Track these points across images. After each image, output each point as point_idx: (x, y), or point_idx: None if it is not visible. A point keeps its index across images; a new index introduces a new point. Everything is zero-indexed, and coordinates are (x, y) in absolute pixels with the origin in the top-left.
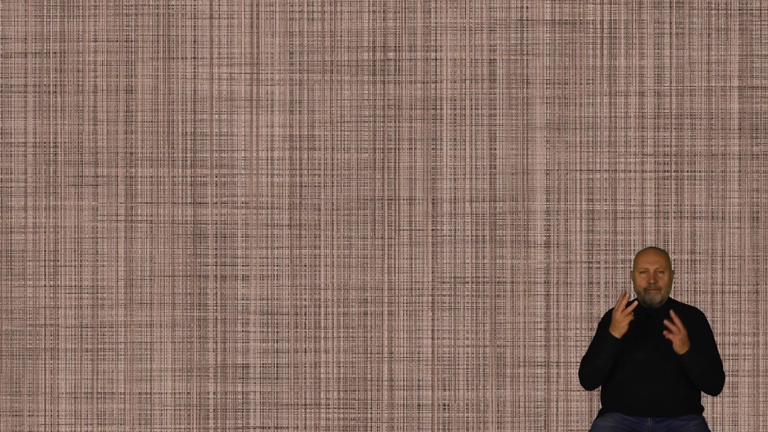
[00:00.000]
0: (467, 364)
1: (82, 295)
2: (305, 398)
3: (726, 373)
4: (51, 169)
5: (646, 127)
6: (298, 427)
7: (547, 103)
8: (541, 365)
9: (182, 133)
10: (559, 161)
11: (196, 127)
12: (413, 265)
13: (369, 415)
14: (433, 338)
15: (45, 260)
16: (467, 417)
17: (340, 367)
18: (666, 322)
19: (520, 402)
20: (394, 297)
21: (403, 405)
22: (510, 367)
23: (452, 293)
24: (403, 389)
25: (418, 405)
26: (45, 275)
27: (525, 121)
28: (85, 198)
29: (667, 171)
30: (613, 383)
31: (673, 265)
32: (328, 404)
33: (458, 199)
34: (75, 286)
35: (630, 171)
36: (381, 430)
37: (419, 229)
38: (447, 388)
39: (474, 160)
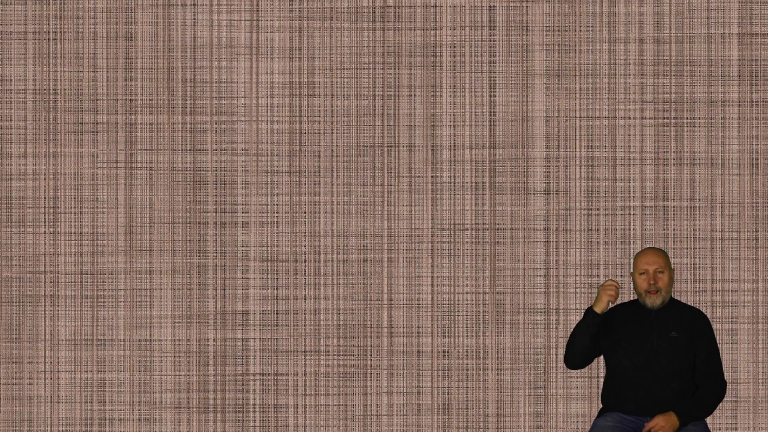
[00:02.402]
0: (467, 311)
1: (82, 242)
2: (305, 345)
3: (726, 321)
4: (51, 116)
5: (645, 74)
6: (297, 374)
7: (546, 50)
8: (540, 312)
9: (182, 80)
10: (558, 108)
11: (195, 74)
12: (413, 212)
13: (368, 362)
14: (432, 285)
15: (45, 207)
16: (467, 364)
17: (339, 313)
18: None
19: (520, 349)
20: (393, 244)
21: (403, 352)
22: (509, 314)
23: (452, 240)
24: (403, 336)
25: (418, 352)
26: (45, 222)
27: (524, 68)
28: (85, 145)
29: (667, 118)
30: (613, 383)
31: (672, 264)
32: (328, 351)
33: (458, 146)
34: (75, 233)
35: (629, 118)
36: (380, 377)
37: (419, 176)
38: (446, 335)
39: (473, 107)
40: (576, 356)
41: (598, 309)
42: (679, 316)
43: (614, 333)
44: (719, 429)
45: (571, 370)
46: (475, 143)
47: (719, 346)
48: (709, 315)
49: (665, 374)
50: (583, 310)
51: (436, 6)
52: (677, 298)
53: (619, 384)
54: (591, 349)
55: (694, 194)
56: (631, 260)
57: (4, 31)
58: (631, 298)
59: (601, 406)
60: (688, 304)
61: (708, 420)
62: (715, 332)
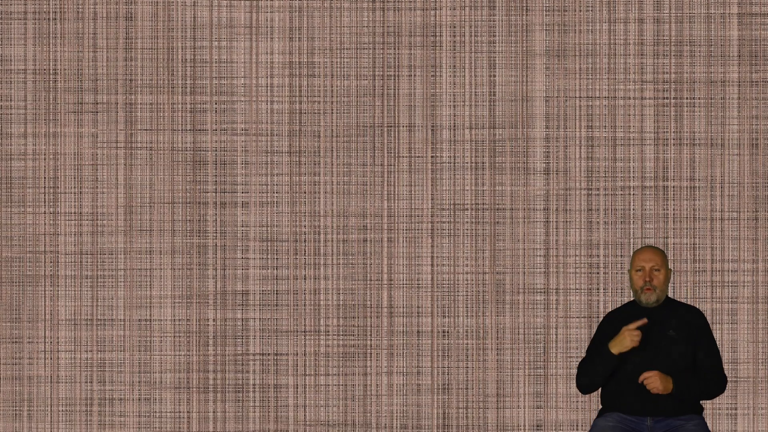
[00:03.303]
0: (467, 291)
1: (82, 222)
2: (304, 325)
3: (725, 301)
4: (51, 96)
5: (645, 54)
6: (297, 354)
7: (546, 29)
8: (540, 292)
9: (182, 60)
10: (558, 88)
11: (195, 53)
12: (413, 192)
13: (368, 342)
14: (432, 265)
15: (45, 187)
16: (466, 344)
17: (339, 293)
18: (640, 379)
19: (520, 329)
20: (393, 224)
21: (403, 332)
22: (509, 293)
23: (452, 220)
24: (403, 316)
25: (418, 332)
26: (45, 202)
27: (524, 48)
28: (85, 125)
29: (667, 98)
30: (613, 383)
31: (670, 264)
32: (328, 331)
33: (458, 126)
34: (75, 213)
35: (629, 98)
36: (380, 357)
37: (419, 156)
38: (446, 314)
39: (473, 87)
40: (595, 386)
41: (616, 351)
42: (676, 315)
43: (613, 334)
44: (718, 409)
45: (571, 349)
46: (475, 123)
47: (719, 338)
48: (708, 295)
49: (665, 373)
50: (583, 291)
51: None
52: (680, 281)
53: (618, 384)
54: (610, 375)
55: (694, 174)
56: (631, 240)
57: (4, 11)
58: (630, 299)
59: (600, 406)
60: (684, 302)
61: (707, 403)
62: (712, 326)
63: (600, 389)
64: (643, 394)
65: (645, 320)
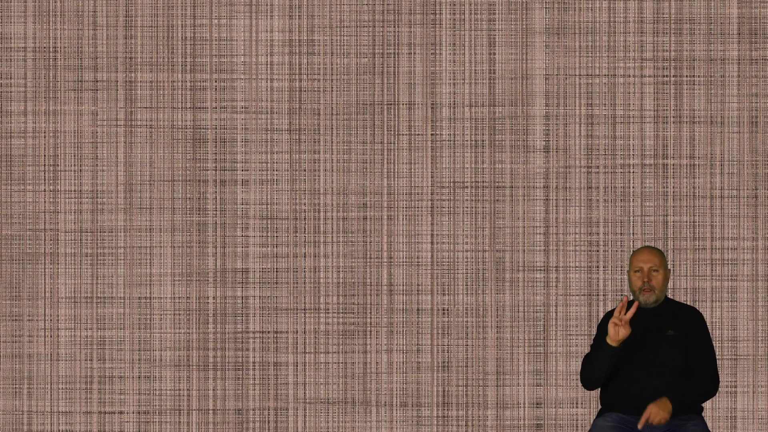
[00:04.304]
0: (466, 269)
1: (82, 200)
2: (304, 303)
3: (725, 278)
4: (50, 74)
5: (645, 31)
6: (297, 332)
7: (546, 7)
8: (540, 270)
9: (182, 37)
10: (558, 66)
11: (195, 31)
12: (412, 170)
13: (368, 320)
14: (432, 243)
15: (45, 165)
16: (466, 322)
17: (339, 271)
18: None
19: (519, 307)
20: (393, 202)
21: (403, 310)
22: (509, 271)
23: (451, 198)
24: (403, 294)
25: (417, 310)
26: (44, 180)
27: (524, 26)
28: (85, 103)
29: (666, 76)
30: (613, 383)
31: (669, 264)
32: (327, 309)
33: (457, 104)
34: (74, 190)
35: (629, 76)
36: (380, 335)
37: (418, 134)
38: (446, 292)
39: (473, 65)
40: (599, 383)
41: (613, 342)
42: (675, 315)
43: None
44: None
45: (570, 327)
46: (474, 101)
47: (719, 316)
48: (708, 273)
49: (664, 373)
50: (583, 268)
51: None
52: (679, 258)
53: (618, 384)
54: (612, 372)
55: (694, 152)
56: (631, 218)
57: None
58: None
59: (600, 406)
60: (683, 302)
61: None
62: (711, 303)
63: (600, 389)
64: (642, 394)
65: (633, 303)
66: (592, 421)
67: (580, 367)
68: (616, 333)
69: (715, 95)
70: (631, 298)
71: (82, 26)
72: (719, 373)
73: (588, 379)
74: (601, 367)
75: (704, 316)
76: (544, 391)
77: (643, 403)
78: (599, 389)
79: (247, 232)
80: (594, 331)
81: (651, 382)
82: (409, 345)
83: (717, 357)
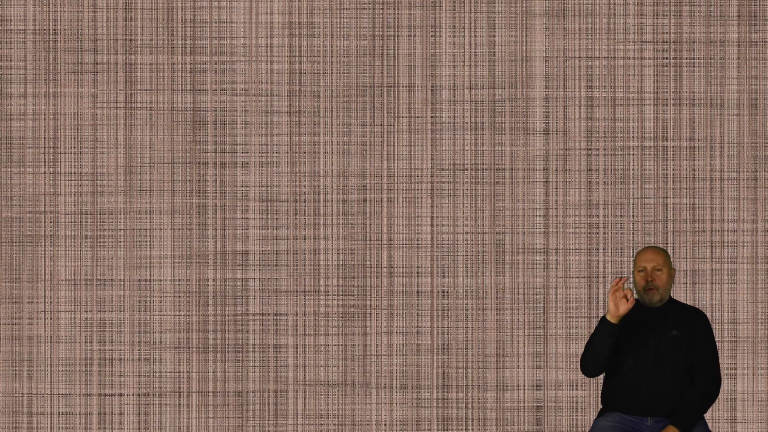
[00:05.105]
0: (466, 251)
1: (82, 182)
2: (304, 285)
3: (725, 261)
4: (50, 57)
5: (645, 14)
6: (297, 314)
7: None
8: (540, 252)
9: (182, 20)
10: (558, 48)
11: (195, 13)
12: (412, 153)
13: (368, 302)
14: (432, 225)
15: (44, 147)
16: (466, 304)
17: (339, 254)
18: None
19: (519, 289)
20: (393, 184)
21: (402, 292)
22: (509, 254)
23: (451, 180)
24: (402, 276)
25: (417, 292)
26: (44, 162)
27: (524, 8)
28: (85, 85)
29: (666, 58)
30: (613, 383)
31: (673, 264)
32: (327, 291)
33: (457, 86)
34: (74, 173)
35: (629, 58)
36: (380, 317)
37: (418, 116)
38: (446, 275)
39: (473, 47)
40: (598, 367)
41: (612, 318)
42: (679, 315)
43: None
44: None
45: (570, 309)
46: (474, 83)
47: (719, 298)
48: (708, 255)
49: (667, 373)
50: (582, 251)
51: None
52: (679, 241)
53: (619, 383)
54: (612, 357)
55: (694, 134)
56: (630, 200)
57: None
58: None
59: (601, 406)
60: (688, 303)
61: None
62: (711, 286)
63: (601, 389)
64: (643, 394)
65: (621, 278)
66: (592, 422)
67: (579, 350)
68: (617, 308)
69: (715, 77)
70: (633, 290)
71: (81, 8)
72: (721, 376)
73: (587, 364)
74: (600, 350)
75: (708, 316)
76: (544, 374)
77: (645, 402)
78: (598, 391)
79: (247, 214)
80: (593, 313)
81: (653, 382)
82: (408, 327)
83: (719, 352)
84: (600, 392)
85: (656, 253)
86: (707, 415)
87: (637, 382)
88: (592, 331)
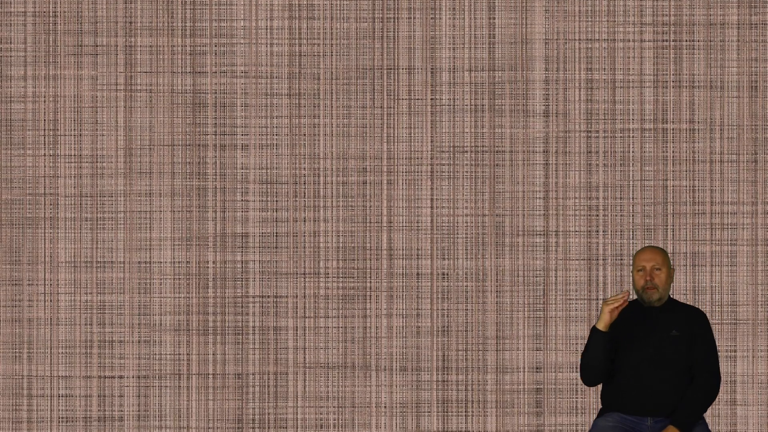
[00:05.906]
0: (466, 233)
1: (82, 165)
2: (304, 267)
3: (725, 243)
4: (50, 39)
5: None
6: (297, 296)
7: None
8: (540, 234)
9: (181, 2)
10: (557, 30)
11: None
12: (412, 135)
13: (368, 284)
14: (432, 207)
15: (44, 129)
16: (466, 286)
17: (339, 236)
18: None
19: (519, 271)
20: (393, 166)
21: (402, 274)
22: (509, 236)
23: (451, 162)
24: (402, 258)
25: (417, 274)
26: (44, 144)
27: None
28: (85, 67)
29: (666, 40)
30: (613, 383)
31: (672, 264)
32: (327, 273)
33: (457, 69)
34: (74, 155)
35: (629, 40)
36: (380, 299)
37: (418, 99)
38: (446, 257)
39: (473, 30)
40: (597, 376)
41: (601, 326)
42: (679, 315)
43: (615, 333)
44: (718, 351)
45: (570, 292)
46: (474, 66)
47: (719, 281)
48: (708, 237)
49: (667, 373)
50: (582, 233)
51: None
52: (679, 223)
53: (619, 383)
54: (609, 363)
55: (694, 117)
56: (630, 183)
57: None
58: (632, 298)
59: (600, 406)
60: (687, 303)
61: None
62: (711, 268)
63: (600, 390)
64: (643, 394)
65: (626, 292)
66: (592, 422)
67: (579, 333)
68: (611, 319)
69: (714, 60)
70: (634, 297)
71: None
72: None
73: (586, 372)
74: (596, 356)
75: (707, 316)
76: (544, 356)
77: (645, 403)
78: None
79: (247, 196)
80: (593, 295)
81: (653, 381)
82: (408, 309)
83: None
84: (600, 392)
85: (655, 252)
86: (707, 413)
87: (637, 382)
88: (586, 341)
